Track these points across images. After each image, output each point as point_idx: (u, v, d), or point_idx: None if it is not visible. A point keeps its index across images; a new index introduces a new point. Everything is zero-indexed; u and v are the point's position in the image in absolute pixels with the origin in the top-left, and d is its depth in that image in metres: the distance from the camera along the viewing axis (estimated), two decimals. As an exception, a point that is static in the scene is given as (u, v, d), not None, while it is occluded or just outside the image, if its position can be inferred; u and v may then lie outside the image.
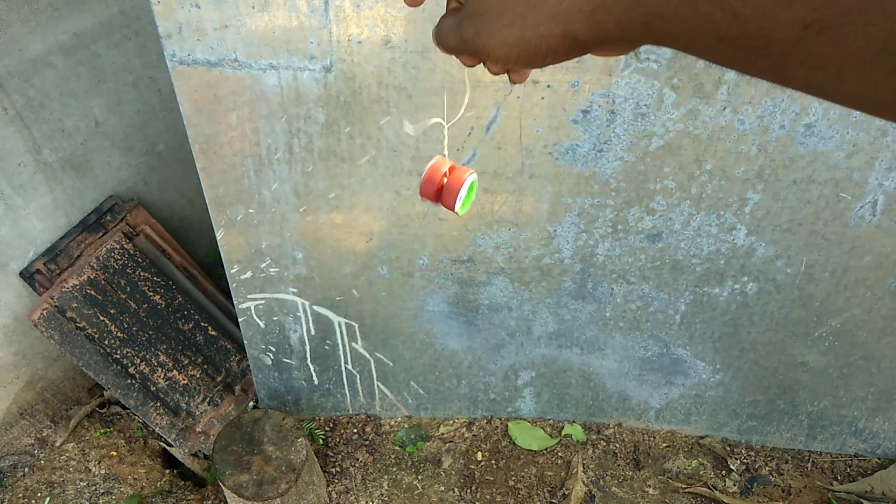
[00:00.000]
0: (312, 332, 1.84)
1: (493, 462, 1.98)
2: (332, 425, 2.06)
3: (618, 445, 2.01)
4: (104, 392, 2.12)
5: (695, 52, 0.36)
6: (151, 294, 1.97)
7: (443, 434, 2.05)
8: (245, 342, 1.87)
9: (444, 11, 0.51)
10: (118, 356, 1.90)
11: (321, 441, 2.01)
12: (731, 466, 1.94)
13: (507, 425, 2.05)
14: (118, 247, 1.91)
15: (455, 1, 0.51)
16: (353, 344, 1.87)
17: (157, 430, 1.96)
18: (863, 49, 0.29)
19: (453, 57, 0.52)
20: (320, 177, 1.51)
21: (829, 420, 1.91)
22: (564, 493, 1.89)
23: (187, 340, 2.03)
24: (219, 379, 2.08)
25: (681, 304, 1.70)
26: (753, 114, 1.36)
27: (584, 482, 1.92)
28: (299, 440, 1.73)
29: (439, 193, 0.66)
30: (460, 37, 0.47)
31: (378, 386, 1.99)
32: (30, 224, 1.83)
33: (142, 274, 1.95)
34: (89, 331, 1.85)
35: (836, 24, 0.29)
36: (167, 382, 1.98)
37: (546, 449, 2.00)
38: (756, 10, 0.31)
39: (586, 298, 1.72)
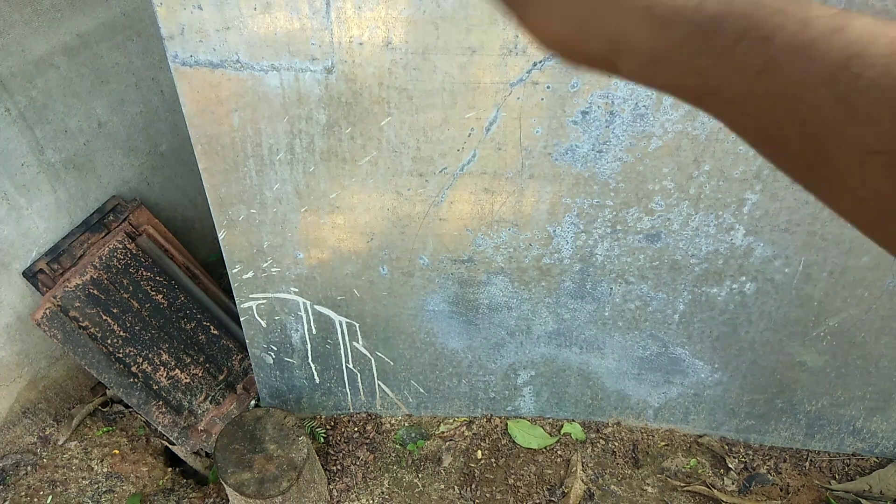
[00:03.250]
0: (314, 331, 1.85)
1: (493, 460, 1.99)
2: (333, 424, 2.08)
3: (617, 444, 2.02)
4: (107, 391, 2.14)
5: (741, 137, 0.33)
6: (154, 293, 1.98)
7: (443, 432, 2.06)
8: (247, 341, 1.89)
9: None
10: (121, 355, 1.91)
11: (322, 439, 2.02)
12: (730, 465, 1.95)
13: (506, 424, 2.06)
14: (121, 246, 1.92)
15: None
16: (354, 343, 1.88)
17: (159, 428, 1.97)
18: None
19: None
20: (322, 177, 1.52)
21: (828, 419, 1.92)
22: (564, 492, 1.90)
23: (189, 339, 2.04)
24: (221, 378, 2.09)
25: (679, 303, 1.71)
26: (751, 115, 1.36)
27: (583, 480, 1.93)
28: (300, 439, 1.74)
29: None
30: None
31: (379, 385, 2.00)
32: (33, 224, 1.84)
33: (144, 273, 1.96)
34: (92, 330, 1.87)
35: None
36: (169, 381, 1.99)
37: (545, 447, 2.01)
38: (824, 126, 0.28)
39: (585, 298, 1.73)
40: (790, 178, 0.31)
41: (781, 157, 0.31)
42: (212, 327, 2.08)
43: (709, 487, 1.91)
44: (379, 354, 1.91)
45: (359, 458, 1.99)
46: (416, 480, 1.95)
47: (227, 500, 1.87)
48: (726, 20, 0.31)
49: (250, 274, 1.71)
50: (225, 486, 1.67)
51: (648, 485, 1.93)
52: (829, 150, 0.28)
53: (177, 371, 2.00)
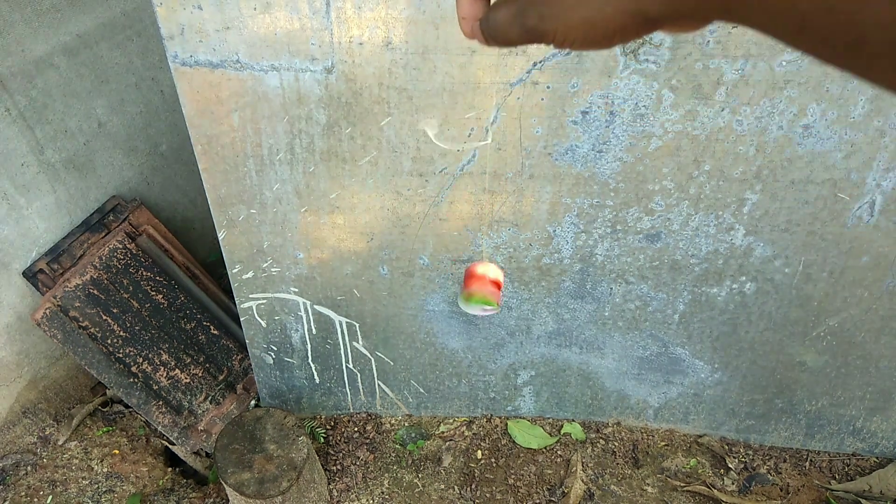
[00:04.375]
0: (314, 331, 1.85)
1: (493, 460, 1.99)
2: (333, 424, 2.08)
3: (617, 444, 2.02)
4: (107, 391, 2.14)
5: (774, 37, 0.34)
6: (154, 293, 1.98)
7: (443, 432, 2.06)
8: (247, 341, 1.89)
9: (466, 7, 0.49)
10: (121, 355, 1.91)
11: (322, 439, 2.02)
12: (730, 465, 1.95)
13: (506, 424, 2.06)
14: (121, 246, 1.92)
15: None
16: (354, 343, 1.88)
17: (159, 428, 1.97)
18: None
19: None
20: (322, 177, 1.52)
21: (827, 419, 1.92)
22: (564, 492, 1.90)
23: (189, 339, 2.04)
24: (221, 378, 2.09)
25: (679, 303, 1.71)
26: (752, 115, 1.37)
27: (583, 480, 1.93)
28: (300, 438, 1.74)
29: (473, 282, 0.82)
30: (523, 26, 0.45)
31: (379, 385, 2.00)
32: (33, 224, 1.84)
33: (144, 273, 1.96)
34: (92, 330, 1.87)
35: None
36: (169, 381, 1.99)
37: (545, 447, 2.01)
38: (853, 4, 0.29)
39: (585, 298, 1.73)
40: (834, 66, 0.33)
41: (820, 46, 0.33)
42: (212, 327, 2.08)
43: (709, 487, 1.91)
44: (379, 354, 1.91)
45: (359, 458, 1.99)
46: (416, 480, 1.95)
47: (227, 500, 1.87)
48: None
49: (250, 274, 1.71)
50: (225, 486, 1.67)
51: (648, 485, 1.93)
52: (862, 31, 0.30)
53: (177, 371, 2.00)
